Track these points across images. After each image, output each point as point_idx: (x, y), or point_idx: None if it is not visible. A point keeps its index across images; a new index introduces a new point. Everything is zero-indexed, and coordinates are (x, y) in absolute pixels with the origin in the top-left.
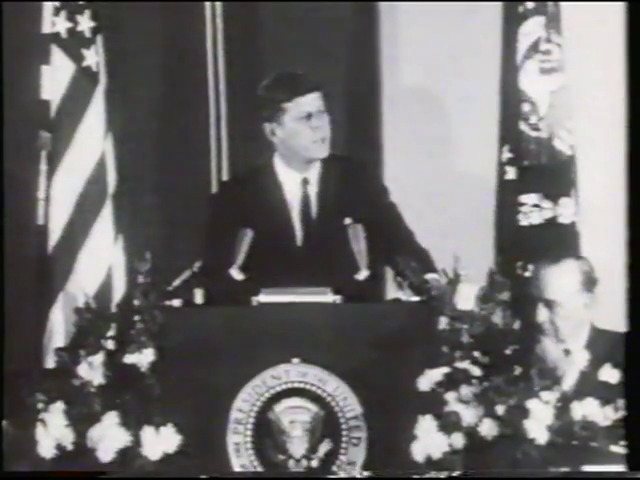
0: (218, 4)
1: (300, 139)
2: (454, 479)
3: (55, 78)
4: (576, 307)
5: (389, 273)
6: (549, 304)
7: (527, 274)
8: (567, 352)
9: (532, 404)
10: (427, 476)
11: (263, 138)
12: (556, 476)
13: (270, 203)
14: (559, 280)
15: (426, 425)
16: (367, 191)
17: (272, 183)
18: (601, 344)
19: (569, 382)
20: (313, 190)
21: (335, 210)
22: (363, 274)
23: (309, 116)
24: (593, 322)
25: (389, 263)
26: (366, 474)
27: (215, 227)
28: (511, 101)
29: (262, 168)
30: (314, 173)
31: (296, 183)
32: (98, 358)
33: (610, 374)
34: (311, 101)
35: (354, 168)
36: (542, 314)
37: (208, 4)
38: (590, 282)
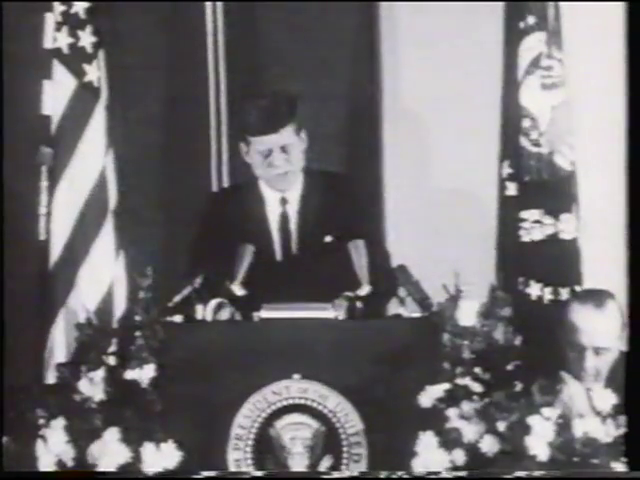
0: (219, 14)
1: (259, 171)
2: (454, 479)
3: (56, 93)
4: (618, 349)
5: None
6: (598, 351)
7: (570, 318)
8: (589, 390)
9: (533, 420)
10: (427, 476)
11: None
12: (556, 476)
13: (254, 219)
14: (606, 326)
15: (427, 441)
16: (352, 205)
17: (257, 199)
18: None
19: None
20: (293, 209)
21: (316, 228)
22: (365, 290)
23: (269, 153)
24: None
25: (389, 278)
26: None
27: (207, 239)
28: (512, 117)
29: (248, 183)
30: (294, 192)
31: (275, 201)
32: (99, 374)
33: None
34: (276, 138)
35: (338, 183)
36: (590, 361)
37: (209, 11)
38: (624, 320)
